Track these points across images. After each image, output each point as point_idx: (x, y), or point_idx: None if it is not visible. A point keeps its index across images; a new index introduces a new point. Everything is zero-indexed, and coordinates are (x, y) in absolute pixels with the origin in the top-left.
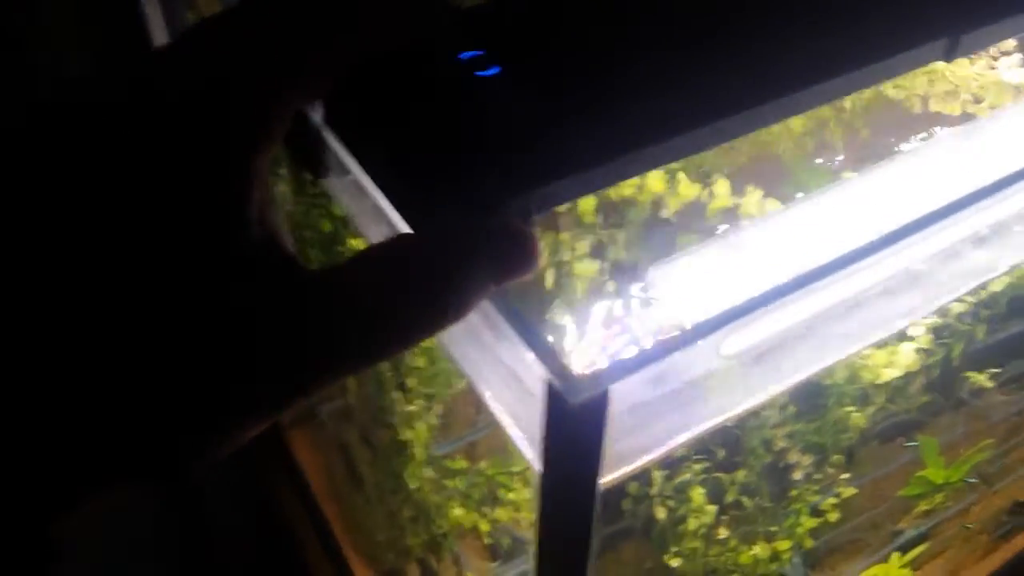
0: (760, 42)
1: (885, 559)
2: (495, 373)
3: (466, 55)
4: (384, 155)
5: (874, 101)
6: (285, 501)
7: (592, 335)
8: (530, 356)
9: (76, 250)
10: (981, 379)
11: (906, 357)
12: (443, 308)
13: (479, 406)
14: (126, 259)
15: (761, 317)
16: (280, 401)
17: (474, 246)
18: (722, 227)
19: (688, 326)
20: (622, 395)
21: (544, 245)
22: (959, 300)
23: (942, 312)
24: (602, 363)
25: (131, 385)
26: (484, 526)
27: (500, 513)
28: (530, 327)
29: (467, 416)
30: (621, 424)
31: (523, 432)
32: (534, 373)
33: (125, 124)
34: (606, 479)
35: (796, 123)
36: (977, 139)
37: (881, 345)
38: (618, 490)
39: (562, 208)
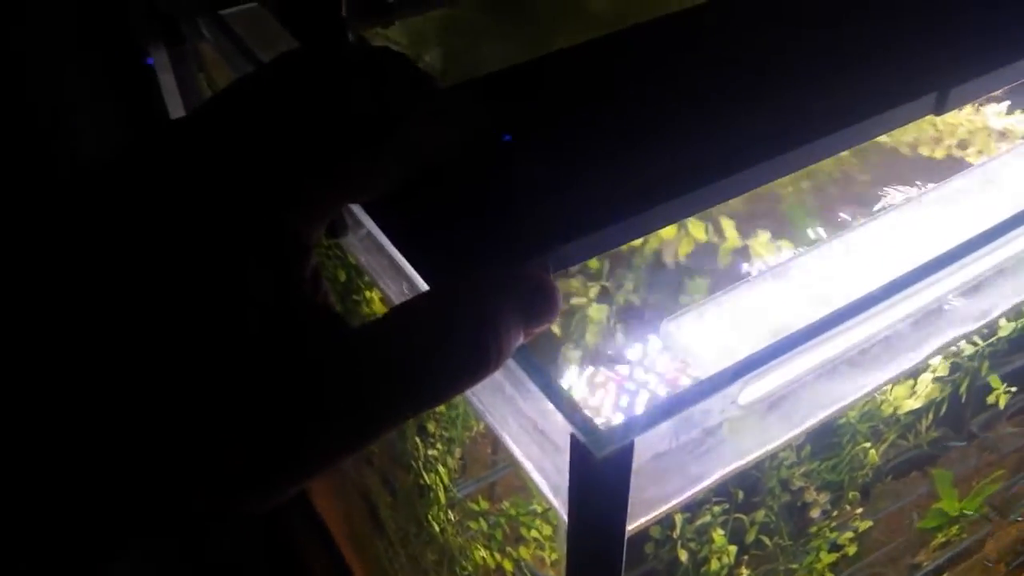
0: (759, 103)
1: None
2: (518, 424)
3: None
4: (403, 218)
5: (866, 146)
6: (305, 548)
7: (611, 386)
8: (553, 410)
9: (158, 311)
10: (999, 391)
11: (927, 388)
12: (484, 353)
13: (495, 446)
14: (205, 307)
15: (776, 368)
16: (339, 449)
17: (507, 293)
18: (730, 270)
19: (706, 377)
20: (645, 444)
21: (562, 295)
22: (970, 343)
23: (952, 354)
24: (625, 415)
25: (208, 434)
26: (508, 565)
27: (523, 552)
28: (551, 381)
29: (484, 456)
30: (645, 472)
31: (547, 480)
32: (558, 426)
33: (207, 197)
34: (632, 526)
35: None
36: (975, 184)
37: (897, 381)
38: (641, 534)
39: None
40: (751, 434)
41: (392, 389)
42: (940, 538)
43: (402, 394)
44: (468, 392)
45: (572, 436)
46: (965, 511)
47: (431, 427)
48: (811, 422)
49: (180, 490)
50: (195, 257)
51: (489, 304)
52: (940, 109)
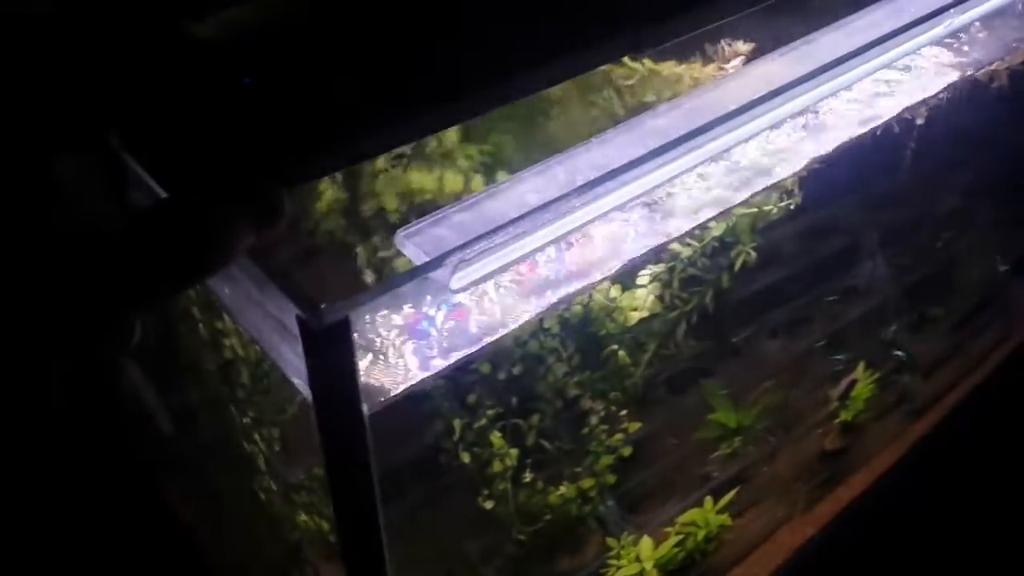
0: (476, 41)
1: (700, 503)
2: (273, 331)
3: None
4: (149, 139)
5: (638, 105)
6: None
7: (350, 288)
8: (283, 298)
9: None
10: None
11: (646, 298)
12: (209, 254)
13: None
14: None
15: (483, 257)
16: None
17: (236, 201)
18: None
19: (416, 264)
20: (382, 328)
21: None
22: (683, 244)
23: (672, 257)
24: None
25: None
26: (326, 526)
27: None
28: (286, 277)
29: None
30: (384, 352)
31: (298, 377)
32: (290, 314)
33: None
34: (377, 401)
35: (579, 121)
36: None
37: (626, 288)
38: (432, 447)
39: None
40: (487, 321)
41: (129, 278)
42: (725, 449)
43: (138, 282)
44: (229, 305)
45: (297, 316)
46: (743, 423)
47: (241, 395)
48: (539, 307)
49: None
50: None
51: (218, 210)
52: (639, 49)
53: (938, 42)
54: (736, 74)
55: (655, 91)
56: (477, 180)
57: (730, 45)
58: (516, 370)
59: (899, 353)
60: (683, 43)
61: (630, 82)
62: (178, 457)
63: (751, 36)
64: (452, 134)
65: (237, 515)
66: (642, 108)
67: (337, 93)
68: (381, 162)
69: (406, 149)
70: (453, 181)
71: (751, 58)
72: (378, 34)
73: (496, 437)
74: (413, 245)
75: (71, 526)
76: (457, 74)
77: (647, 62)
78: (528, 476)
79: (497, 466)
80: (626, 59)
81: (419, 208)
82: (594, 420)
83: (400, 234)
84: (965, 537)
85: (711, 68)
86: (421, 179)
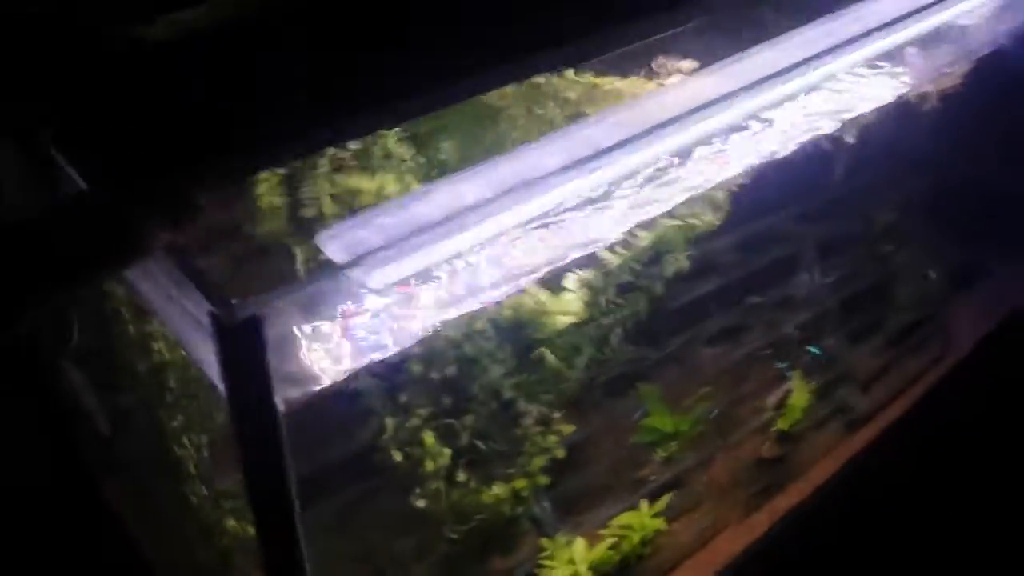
0: (403, 51)
1: (636, 506)
2: (192, 329)
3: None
4: (89, 154)
5: (577, 115)
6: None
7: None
8: (197, 295)
9: None
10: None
11: (572, 303)
12: (122, 248)
13: None
14: None
15: (403, 257)
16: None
17: (152, 199)
18: None
19: (330, 264)
20: (300, 326)
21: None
22: (612, 252)
23: (601, 265)
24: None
25: None
26: (252, 531)
27: None
28: (200, 274)
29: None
30: (303, 349)
31: (215, 375)
32: (203, 310)
33: None
34: (293, 395)
35: (521, 130)
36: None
37: (556, 292)
38: (367, 446)
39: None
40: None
41: (42, 266)
42: (661, 453)
43: (52, 271)
44: (153, 305)
45: (209, 311)
46: (679, 428)
47: (169, 399)
48: (462, 309)
49: None
50: None
51: (133, 205)
52: (575, 63)
53: (870, 64)
54: (669, 88)
55: (595, 103)
56: (414, 183)
57: (671, 62)
58: (449, 371)
59: (812, 349)
60: (627, 60)
61: (572, 94)
62: (115, 459)
63: (691, 53)
64: (392, 139)
65: (172, 519)
66: (580, 118)
67: (261, 97)
68: (324, 166)
69: (347, 153)
70: (390, 184)
71: (689, 74)
72: (310, 38)
73: (428, 437)
74: (335, 246)
75: (11, 524)
76: (388, 79)
77: (589, 76)
78: (462, 476)
79: (430, 465)
80: (569, 73)
81: (356, 210)
82: (528, 422)
83: (323, 236)
84: (904, 550)
85: (651, 83)
86: (360, 182)
